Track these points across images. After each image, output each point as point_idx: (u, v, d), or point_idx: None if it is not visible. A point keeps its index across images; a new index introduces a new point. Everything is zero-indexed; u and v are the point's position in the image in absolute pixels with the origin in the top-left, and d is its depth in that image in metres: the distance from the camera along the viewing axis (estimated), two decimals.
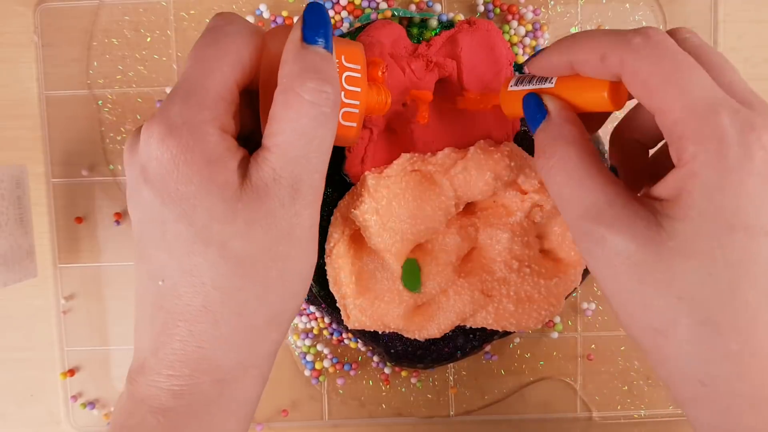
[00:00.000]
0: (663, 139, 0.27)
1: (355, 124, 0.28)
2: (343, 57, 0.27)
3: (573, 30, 0.44)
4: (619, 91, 0.26)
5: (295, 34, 0.25)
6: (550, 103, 0.28)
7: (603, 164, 0.26)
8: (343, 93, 0.27)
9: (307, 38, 0.25)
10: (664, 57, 0.24)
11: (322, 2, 0.25)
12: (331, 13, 0.42)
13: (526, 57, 0.43)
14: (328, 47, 0.25)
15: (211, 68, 0.25)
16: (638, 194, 0.26)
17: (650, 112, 0.25)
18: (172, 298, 0.26)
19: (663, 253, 0.23)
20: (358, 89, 0.27)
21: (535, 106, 0.28)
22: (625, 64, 0.24)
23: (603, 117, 0.31)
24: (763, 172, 0.22)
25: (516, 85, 0.30)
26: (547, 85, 0.28)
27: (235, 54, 0.25)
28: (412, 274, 0.40)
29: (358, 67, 0.27)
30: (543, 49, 0.28)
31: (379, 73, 0.35)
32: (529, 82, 0.29)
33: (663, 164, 0.28)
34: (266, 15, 0.43)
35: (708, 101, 0.23)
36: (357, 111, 0.28)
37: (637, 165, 0.30)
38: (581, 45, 0.26)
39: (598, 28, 0.27)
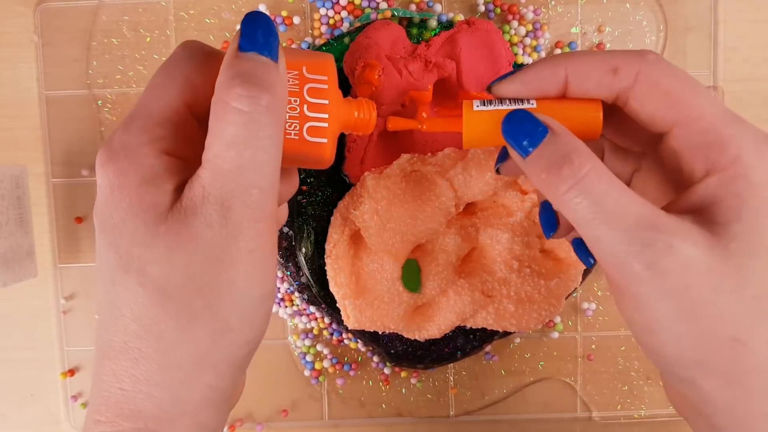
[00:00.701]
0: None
1: (325, 140, 0.25)
2: (304, 68, 0.25)
3: (574, 30, 0.43)
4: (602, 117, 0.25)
5: (233, 45, 0.23)
6: (548, 119, 0.25)
7: None
8: (306, 106, 0.25)
9: (242, 47, 0.23)
10: (681, 70, 0.24)
11: (264, 12, 0.24)
12: (331, 12, 0.42)
13: (526, 57, 0.43)
14: (268, 54, 0.23)
15: (156, 94, 0.24)
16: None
17: (648, 125, 0.25)
18: (100, 333, 0.24)
19: (728, 255, 0.22)
20: (325, 101, 0.25)
21: (528, 122, 0.25)
22: (642, 75, 0.24)
23: None
24: None
25: (485, 105, 0.26)
26: (528, 106, 0.26)
27: (182, 76, 0.24)
28: (412, 275, 0.40)
29: (325, 78, 0.25)
30: (523, 69, 0.26)
31: (376, 76, 0.35)
32: (501, 103, 0.26)
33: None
34: None
35: (731, 111, 0.23)
36: (325, 125, 0.25)
37: None
38: (586, 59, 0.25)
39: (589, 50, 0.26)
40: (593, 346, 0.45)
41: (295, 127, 0.25)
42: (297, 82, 0.25)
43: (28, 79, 0.44)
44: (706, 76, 0.44)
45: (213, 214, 0.22)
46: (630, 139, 0.28)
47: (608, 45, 0.43)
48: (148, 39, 0.44)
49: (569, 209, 0.23)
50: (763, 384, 0.23)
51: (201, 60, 0.25)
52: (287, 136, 0.25)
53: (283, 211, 0.31)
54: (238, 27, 0.42)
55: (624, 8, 0.43)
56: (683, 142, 0.24)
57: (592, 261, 0.28)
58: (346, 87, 0.39)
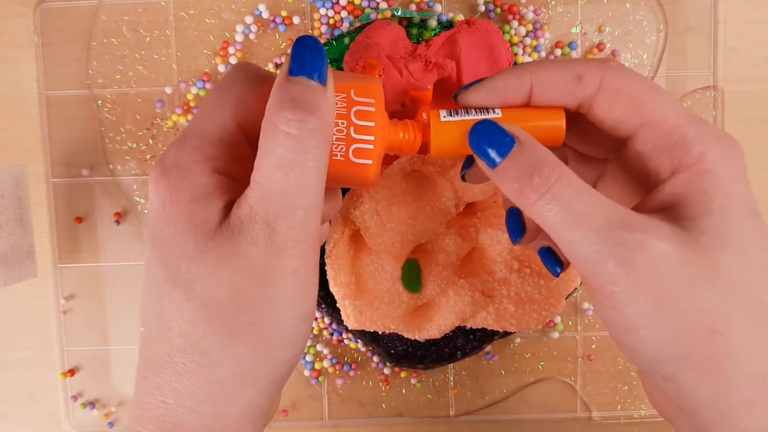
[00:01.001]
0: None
1: (370, 162, 0.26)
2: (352, 91, 0.26)
3: (574, 30, 0.43)
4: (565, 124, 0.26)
5: (284, 68, 0.24)
6: (513, 128, 0.25)
7: None
8: (352, 128, 0.25)
9: (293, 71, 0.23)
10: (643, 76, 0.25)
11: (314, 37, 0.24)
12: (330, 12, 0.42)
13: (526, 57, 0.43)
14: (317, 78, 0.23)
15: (210, 114, 0.25)
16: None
17: (612, 131, 0.26)
18: (146, 346, 0.24)
19: (701, 249, 0.23)
20: (372, 124, 0.25)
21: (494, 133, 0.25)
22: (607, 81, 0.25)
23: None
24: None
25: (451, 116, 0.26)
26: (493, 115, 0.26)
27: (236, 98, 0.25)
28: (412, 275, 0.40)
29: (372, 101, 0.26)
30: (488, 78, 0.27)
31: (377, 76, 0.35)
32: (467, 113, 0.26)
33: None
34: (265, 15, 0.43)
35: (690, 111, 0.24)
36: (371, 147, 0.25)
37: None
38: (550, 67, 0.26)
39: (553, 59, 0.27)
40: (593, 346, 0.45)
41: (342, 148, 0.25)
42: (345, 104, 0.25)
43: (28, 79, 0.44)
44: (706, 76, 0.44)
45: (259, 233, 0.23)
46: (593, 146, 0.29)
47: (608, 45, 0.43)
48: (147, 39, 0.44)
49: (541, 216, 0.24)
50: (743, 372, 0.23)
51: (254, 82, 0.25)
52: (333, 157, 0.25)
53: (325, 229, 0.31)
54: (289, 50, 0.42)
55: (624, 8, 0.43)
56: (648, 145, 0.24)
57: (558, 270, 0.28)
58: None
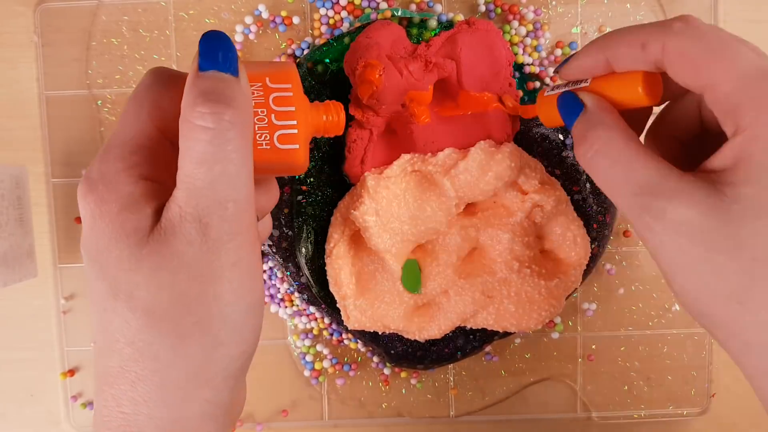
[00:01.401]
0: (699, 130, 0.29)
1: (296, 146, 0.26)
2: (267, 79, 0.26)
3: (575, 30, 0.43)
4: (653, 84, 0.27)
5: (193, 65, 0.23)
6: (585, 96, 0.28)
7: (647, 147, 0.26)
8: (273, 115, 0.26)
9: (202, 66, 0.23)
10: (708, 34, 0.25)
11: (220, 31, 0.24)
12: (330, 12, 0.42)
13: (526, 57, 0.43)
14: (228, 70, 0.23)
15: (128, 121, 0.25)
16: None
17: (691, 98, 0.27)
18: (98, 360, 0.24)
19: (730, 217, 0.23)
20: (292, 108, 0.26)
21: (570, 102, 0.29)
22: (668, 47, 0.25)
23: (643, 119, 0.31)
24: None
25: (552, 90, 0.31)
26: (583, 85, 0.29)
27: (151, 102, 0.25)
28: (412, 275, 0.40)
29: (289, 86, 0.26)
30: (574, 53, 0.29)
31: (377, 76, 0.35)
32: (565, 86, 0.30)
33: (703, 151, 0.28)
34: (265, 15, 0.43)
35: (758, 69, 0.24)
36: (295, 131, 0.26)
37: (674, 160, 0.29)
38: (618, 39, 0.27)
39: (627, 26, 0.27)
40: (593, 346, 0.45)
41: (266, 137, 0.26)
42: (262, 93, 0.26)
43: (28, 79, 0.44)
44: None
45: (192, 231, 0.23)
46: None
47: None
48: (147, 39, 0.44)
49: (592, 168, 0.27)
50: (760, 341, 0.24)
51: (167, 84, 0.25)
52: (259, 147, 0.25)
53: (267, 224, 0.31)
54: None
55: (624, 8, 0.43)
56: (712, 107, 0.25)
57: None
58: (347, 87, 0.39)
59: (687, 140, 0.30)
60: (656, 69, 0.26)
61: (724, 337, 0.25)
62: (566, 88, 0.30)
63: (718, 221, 0.23)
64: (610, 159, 0.26)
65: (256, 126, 0.25)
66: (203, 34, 0.24)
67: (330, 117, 0.28)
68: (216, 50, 0.24)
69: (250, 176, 0.24)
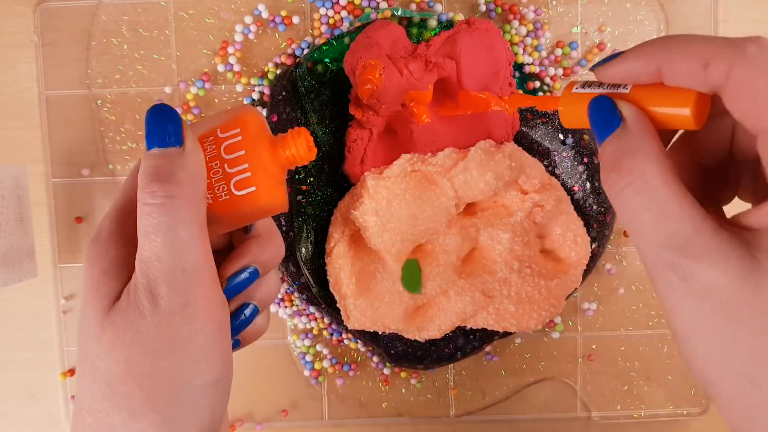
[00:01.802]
0: (725, 157, 0.26)
1: (253, 188, 0.26)
2: (218, 130, 0.26)
3: (575, 30, 0.43)
4: (702, 107, 0.24)
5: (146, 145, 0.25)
6: (626, 109, 0.24)
7: (683, 186, 0.23)
8: (226, 165, 0.26)
9: (148, 145, 0.24)
10: None
11: (161, 103, 0.25)
12: (330, 12, 0.42)
13: (526, 56, 0.43)
14: (171, 143, 0.24)
15: (127, 184, 0.26)
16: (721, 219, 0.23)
17: (727, 122, 0.24)
18: (73, 424, 0.25)
19: (759, 289, 0.21)
20: (241, 152, 0.26)
21: (607, 110, 0.24)
22: (735, 74, 0.22)
23: (668, 136, 0.28)
24: None
25: (583, 88, 0.27)
26: (621, 91, 0.25)
27: (120, 193, 0.26)
28: (412, 275, 0.40)
29: (237, 131, 0.26)
30: (620, 53, 0.25)
31: (377, 75, 0.35)
32: (599, 86, 0.26)
33: (729, 186, 0.26)
34: (265, 15, 0.43)
35: None
36: (248, 174, 0.26)
37: (691, 186, 0.26)
38: (676, 49, 0.23)
39: (690, 34, 0.24)
40: (593, 346, 0.45)
41: (223, 188, 0.26)
42: (214, 146, 0.26)
43: (28, 79, 0.44)
44: None
45: (144, 302, 0.23)
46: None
47: (609, 44, 0.43)
48: (147, 39, 0.44)
49: (619, 205, 0.23)
50: (765, 419, 0.22)
51: (132, 173, 0.26)
52: (219, 200, 0.26)
53: (271, 283, 0.30)
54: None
55: (625, 8, 0.43)
56: (763, 152, 0.22)
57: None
58: (347, 87, 0.39)
59: (709, 165, 0.27)
60: (711, 92, 0.23)
61: (726, 407, 0.23)
62: (600, 90, 0.26)
63: (746, 292, 0.21)
64: (643, 197, 0.23)
65: (213, 180, 0.26)
66: (147, 111, 0.25)
67: (291, 150, 0.27)
68: (158, 126, 0.24)
69: (200, 244, 0.24)
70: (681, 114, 0.24)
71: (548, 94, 0.43)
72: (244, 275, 0.28)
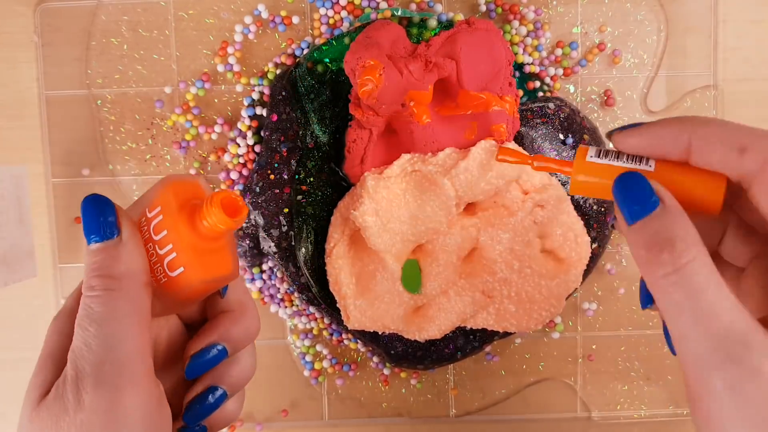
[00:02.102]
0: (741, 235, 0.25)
1: (181, 269, 0.24)
2: (146, 210, 0.25)
3: (575, 30, 0.43)
4: (728, 192, 0.23)
5: None
6: (662, 190, 0.22)
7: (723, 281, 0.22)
8: (156, 246, 0.24)
9: (86, 238, 0.24)
10: None
11: (94, 194, 0.25)
12: (330, 12, 0.42)
13: (527, 56, 0.43)
14: (108, 235, 0.24)
15: (72, 291, 0.27)
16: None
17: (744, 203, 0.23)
18: None
19: None
20: (164, 232, 0.24)
21: (640, 189, 0.22)
22: None
23: None
24: None
25: (599, 157, 0.24)
26: (645, 167, 0.23)
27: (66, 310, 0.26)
28: (412, 275, 0.40)
29: (158, 209, 0.24)
30: (641, 123, 0.24)
31: (377, 75, 0.35)
32: (617, 157, 0.24)
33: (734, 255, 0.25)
34: (265, 15, 0.43)
35: None
36: (174, 255, 0.24)
37: None
38: (713, 130, 0.22)
39: (719, 119, 0.23)
40: (593, 346, 0.45)
41: (160, 269, 0.25)
42: (146, 228, 0.25)
43: (28, 79, 0.44)
44: (706, 76, 0.44)
45: (69, 396, 0.22)
46: (759, 218, 0.24)
47: (609, 44, 0.43)
48: (147, 39, 0.44)
49: (661, 295, 0.21)
50: None
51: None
52: (160, 282, 0.24)
53: (235, 405, 0.28)
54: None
55: (625, 8, 0.43)
56: None
57: (648, 306, 0.25)
58: (347, 87, 0.39)
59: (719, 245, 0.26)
60: (739, 179, 0.22)
61: None
62: (621, 163, 0.23)
63: None
64: (699, 283, 0.21)
65: (152, 262, 0.25)
66: (82, 202, 0.24)
67: (208, 220, 0.24)
68: (93, 218, 0.24)
69: (135, 335, 0.23)
70: (711, 199, 0.23)
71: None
72: (211, 354, 0.26)
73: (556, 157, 0.41)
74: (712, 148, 0.22)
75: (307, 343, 0.45)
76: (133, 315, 0.23)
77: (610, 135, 0.25)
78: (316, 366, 0.45)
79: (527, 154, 0.27)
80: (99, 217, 0.24)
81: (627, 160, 0.24)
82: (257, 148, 0.43)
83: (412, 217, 0.38)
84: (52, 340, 0.25)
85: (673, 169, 0.23)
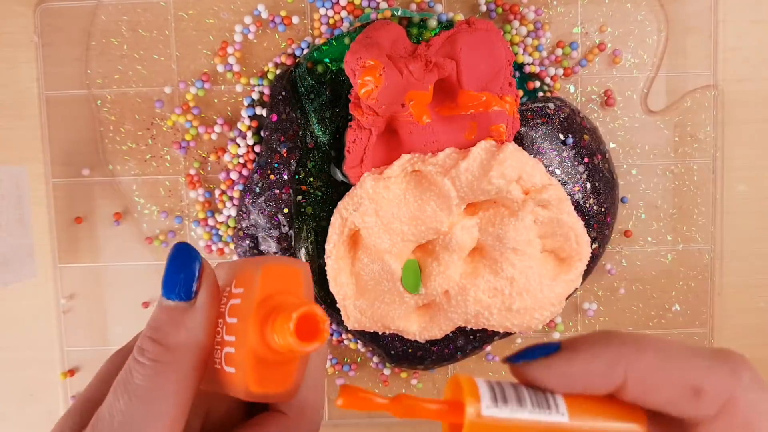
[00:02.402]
0: None
1: (232, 370, 0.21)
2: (234, 282, 0.22)
3: (576, 30, 0.43)
4: None
5: None
6: None
7: None
8: (224, 328, 0.21)
9: (162, 292, 0.21)
10: None
11: (182, 244, 0.22)
12: (330, 12, 0.42)
13: (527, 56, 0.43)
14: (181, 296, 0.21)
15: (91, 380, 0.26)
16: None
17: None
18: None
19: None
20: (235, 319, 0.21)
21: None
22: (735, 404, 0.18)
23: None
24: None
25: (496, 406, 0.18)
26: (555, 418, 0.18)
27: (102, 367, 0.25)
28: (412, 275, 0.40)
29: (241, 290, 0.21)
30: (554, 346, 0.19)
31: (377, 75, 0.35)
32: (519, 402, 0.19)
33: None
34: (264, 15, 0.43)
35: None
36: (233, 350, 0.21)
37: None
38: (657, 364, 0.18)
39: (653, 339, 0.19)
40: None
41: (219, 353, 0.22)
42: (225, 300, 0.22)
43: (28, 79, 0.44)
44: (706, 76, 0.44)
45: None
46: None
47: (609, 44, 0.43)
48: (147, 39, 0.44)
49: None
50: None
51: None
52: (215, 366, 0.22)
53: None
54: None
55: (625, 8, 0.43)
56: None
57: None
58: (347, 87, 0.39)
59: None
60: (686, 419, 0.18)
61: None
62: (523, 412, 0.18)
63: None
64: None
65: (216, 340, 0.22)
66: (170, 251, 0.22)
67: (277, 338, 0.20)
68: (173, 273, 0.21)
69: (166, 424, 0.20)
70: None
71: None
72: None
73: (556, 158, 0.41)
74: (657, 388, 0.18)
75: None
76: (171, 398, 0.20)
77: (509, 361, 0.21)
78: None
79: (380, 399, 0.19)
80: (180, 272, 0.21)
81: (531, 405, 0.19)
82: (257, 149, 0.43)
83: (412, 217, 0.38)
84: (96, 380, 0.23)
85: (588, 405, 0.19)
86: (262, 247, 0.42)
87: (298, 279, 0.22)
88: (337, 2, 0.42)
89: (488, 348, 0.45)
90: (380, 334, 0.41)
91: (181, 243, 0.22)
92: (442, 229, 0.39)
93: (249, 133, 0.43)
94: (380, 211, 0.38)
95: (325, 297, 0.41)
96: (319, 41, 0.43)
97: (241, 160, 0.43)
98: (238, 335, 0.21)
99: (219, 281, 0.22)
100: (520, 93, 0.41)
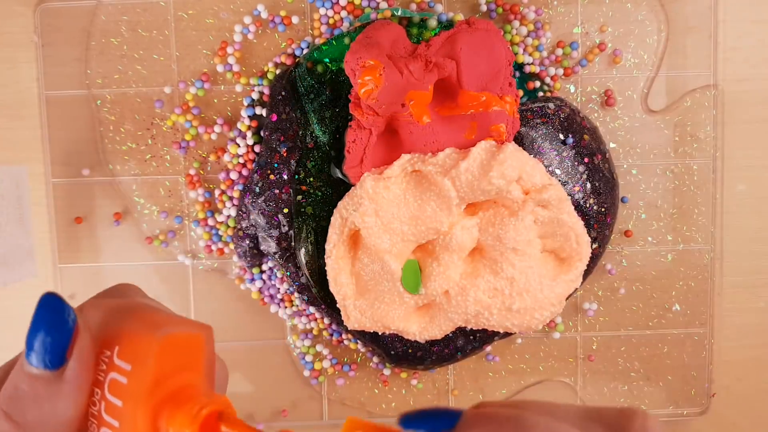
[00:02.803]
0: None
1: None
2: (117, 348, 0.18)
3: (576, 30, 0.43)
4: None
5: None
6: None
7: None
8: (104, 404, 0.18)
9: (26, 354, 0.18)
10: None
11: (51, 295, 0.18)
12: (330, 12, 0.42)
13: (527, 56, 0.43)
14: (46, 363, 0.18)
15: None
16: None
17: None
18: None
19: None
20: (118, 402, 0.18)
21: None
22: None
23: None
24: None
25: None
26: None
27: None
28: (412, 276, 0.40)
29: (129, 367, 0.18)
30: (463, 418, 0.18)
31: (377, 75, 0.35)
32: None
33: None
34: (264, 15, 0.43)
35: None
36: None
37: None
38: None
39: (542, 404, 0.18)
40: (594, 347, 0.45)
41: (93, 428, 0.18)
42: (105, 367, 0.18)
43: (28, 79, 0.44)
44: (706, 76, 0.44)
45: None
46: None
47: (609, 44, 0.43)
48: (147, 39, 0.44)
49: None
50: None
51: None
52: None
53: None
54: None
55: (625, 8, 0.43)
56: None
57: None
58: (347, 87, 0.39)
59: None
60: None
61: None
62: None
63: None
64: None
65: (91, 410, 0.18)
66: (38, 302, 0.18)
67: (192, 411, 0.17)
68: (42, 333, 0.18)
69: None
70: None
71: (546, 92, 0.43)
72: None
73: (556, 158, 0.41)
74: None
75: (307, 343, 0.45)
76: None
77: (402, 423, 0.18)
78: (316, 366, 0.45)
79: None
80: (48, 334, 0.18)
81: None
82: (257, 148, 0.43)
83: (412, 217, 0.38)
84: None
85: None
86: (262, 247, 0.42)
87: (200, 348, 0.19)
88: (337, 2, 0.42)
89: (488, 348, 0.45)
90: (380, 334, 0.41)
91: (51, 295, 0.18)
92: (442, 229, 0.39)
93: (249, 133, 0.43)
94: (380, 211, 0.38)
95: (325, 297, 0.41)
96: (319, 41, 0.43)
97: (241, 160, 0.43)
98: (123, 422, 0.18)
99: (91, 329, 0.18)
100: (520, 93, 0.41)
